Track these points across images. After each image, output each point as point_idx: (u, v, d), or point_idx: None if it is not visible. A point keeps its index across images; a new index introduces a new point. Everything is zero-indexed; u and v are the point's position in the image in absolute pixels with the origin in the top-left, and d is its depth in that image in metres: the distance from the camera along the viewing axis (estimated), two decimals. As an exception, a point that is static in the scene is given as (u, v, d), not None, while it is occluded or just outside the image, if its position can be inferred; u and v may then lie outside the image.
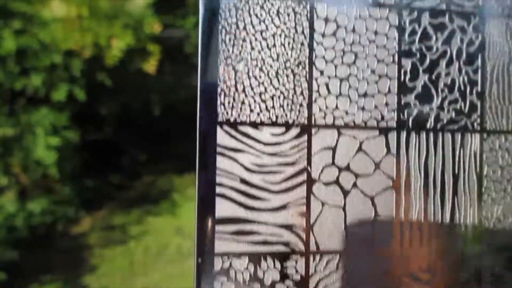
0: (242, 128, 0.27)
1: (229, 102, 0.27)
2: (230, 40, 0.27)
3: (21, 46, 1.48)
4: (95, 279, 1.42)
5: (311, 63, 0.28)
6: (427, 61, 0.30)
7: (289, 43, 0.28)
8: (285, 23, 0.28)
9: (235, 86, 0.27)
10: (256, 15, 0.28)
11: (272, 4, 0.28)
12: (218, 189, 0.27)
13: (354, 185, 0.29)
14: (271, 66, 0.28)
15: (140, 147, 1.63)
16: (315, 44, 0.28)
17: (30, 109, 1.52)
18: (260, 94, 0.28)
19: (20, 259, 1.37)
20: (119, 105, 1.62)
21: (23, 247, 1.38)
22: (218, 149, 0.27)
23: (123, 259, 1.47)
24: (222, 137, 0.27)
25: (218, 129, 0.27)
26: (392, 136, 0.29)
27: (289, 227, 0.28)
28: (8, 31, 1.49)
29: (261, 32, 0.28)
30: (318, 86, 0.28)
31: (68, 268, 1.43)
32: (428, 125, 0.30)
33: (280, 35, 0.28)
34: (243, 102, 0.27)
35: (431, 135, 0.30)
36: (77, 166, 1.54)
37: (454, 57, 0.30)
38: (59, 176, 1.48)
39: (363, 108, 0.29)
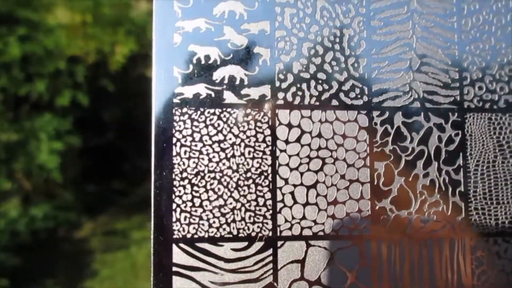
0: (200, 245, 0.25)
1: (185, 218, 0.25)
2: (185, 153, 0.25)
3: (25, 53, 1.47)
4: (96, 283, 1.43)
5: (274, 172, 0.26)
6: (402, 162, 0.28)
7: (249, 152, 0.26)
8: (244, 132, 0.26)
9: (192, 200, 0.25)
10: (213, 125, 0.26)
11: (229, 113, 0.26)
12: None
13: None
14: (230, 178, 0.26)
15: (142, 152, 1.62)
16: (278, 152, 0.26)
17: (34, 115, 1.51)
18: (219, 207, 0.26)
19: (22, 264, 1.37)
20: (122, 110, 1.61)
21: (26, 252, 1.39)
22: (174, 269, 0.25)
23: (125, 264, 1.47)
24: (178, 255, 0.25)
25: (174, 247, 0.25)
26: (368, 244, 0.27)
27: None
28: (13, 38, 1.48)
29: (219, 143, 0.26)
30: (283, 195, 0.26)
31: (70, 272, 1.44)
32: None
33: (240, 145, 0.26)
34: (200, 217, 0.26)
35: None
36: (80, 171, 1.54)
37: (432, 156, 0.28)
38: (62, 181, 1.48)
39: (333, 217, 0.27)
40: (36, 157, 1.45)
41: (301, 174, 0.27)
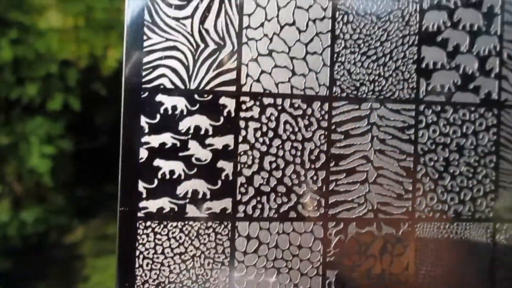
0: None
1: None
2: (147, 265, 0.27)
3: (17, 56, 1.47)
4: (85, 288, 1.45)
5: (232, 282, 0.28)
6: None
7: (208, 264, 0.28)
8: (204, 244, 0.28)
9: (152, 310, 0.27)
10: (175, 238, 0.27)
11: (191, 226, 0.28)
12: None
13: None
14: (189, 288, 0.28)
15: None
16: (236, 263, 0.28)
17: (25, 118, 1.52)
18: (178, 314, 0.28)
19: (12, 268, 1.40)
20: (114, 114, 1.62)
21: (16, 257, 1.41)
22: None
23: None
24: None
25: None
26: None
27: None
28: (4, 41, 1.48)
29: (180, 255, 0.28)
30: (239, 304, 0.28)
31: (61, 277, 1.46)
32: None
33: (200, 256, 0.28)
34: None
35: None
36: (71, 175, 1.56)
37: (381, 264, 0.30)
38: (53, 185, 1.50)
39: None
40: (27, 161, 1.47)
41: (257, 284, 0.28)
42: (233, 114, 0.28)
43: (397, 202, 0.30)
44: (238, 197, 0.28)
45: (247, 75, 0.28)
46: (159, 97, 0.27)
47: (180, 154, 0.28)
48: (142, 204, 0.27)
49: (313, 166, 0.29)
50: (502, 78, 0.31)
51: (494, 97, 0.31)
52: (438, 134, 0.31)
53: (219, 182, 0.28)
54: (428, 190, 0.30)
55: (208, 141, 0.28)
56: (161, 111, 0.28)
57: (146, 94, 0.27)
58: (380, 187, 0.30)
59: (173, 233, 0.28)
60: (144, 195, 0.27)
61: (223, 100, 0.28)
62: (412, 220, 0.30)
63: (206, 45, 0.28)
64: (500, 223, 0.31)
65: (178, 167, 0.28)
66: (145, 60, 0.27)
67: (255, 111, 0.29)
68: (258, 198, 0.29)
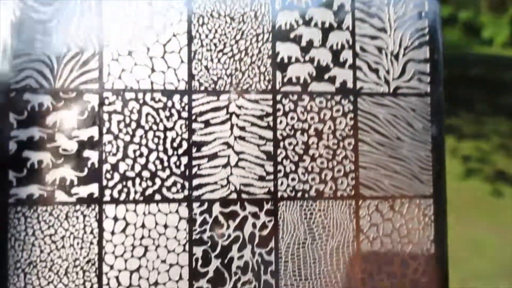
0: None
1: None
2: (19, 245, 0.30)
3: None
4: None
5: (101, 260, 0.31)
6: (219, 247, 0.33)
7: (78, 243, 0.31)
8: (73, 225, 0.31)
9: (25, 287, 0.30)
10: (45, 221, 0.31)
11: (60, 210, 0.31)
12: None
13: None
14: (60, 266, 0.31)
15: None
16: (104, 242, 0.31)
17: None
18: (53, 292, 0.31)
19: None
20: None
21: None
22: None
23: None
24: None
25: None
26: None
27: None
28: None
29: (50, 236, 0.31)
30: (108, 279, 0.31)
31: None
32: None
33: (69, 237, 0.31)
34: (33, 305, 0.31)
35: None
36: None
37: (247, 240, 0.33)
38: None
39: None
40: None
41: (126, 260, 0.32)
42: (96, 109, 0.31)
43: (259, 183, 0.33)
44: (104, 182, 0.31)
45: (109, 74, 0.32)
46: (26, 96, 0.31)
47: (48, 145, 0.31)
48: (12, 191, 0.30)
49: (175, 152, 0.32)
50: (357, 68, 0.34)
51: (350, 86, 0.34)
52: (296, 120, 0.34)
53: (86, 170, 0.31)
54: (289, 171, 0.33)
55: (74, 133, 0.31)
56: (29, 108, 0.31)
57: (14, 94, 0.31)
58: (242, 170, 0.33)
59: (43, 216, 0.31)
60: (15, 183, 0.30)
61: (86, 96, 0.31)
62: (275, 200, 0.33)
63: (69, 49, 0.31)
64: (362, 200, 0.34)
65: (46, 157, 0.31)
66: (13, 63, 0.31)
67: (118, 105, 0.32)
68: (124, 183, 0.32)
